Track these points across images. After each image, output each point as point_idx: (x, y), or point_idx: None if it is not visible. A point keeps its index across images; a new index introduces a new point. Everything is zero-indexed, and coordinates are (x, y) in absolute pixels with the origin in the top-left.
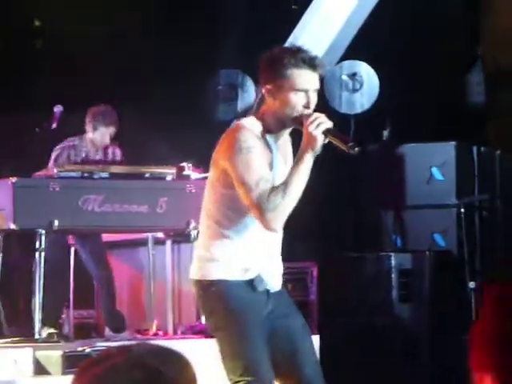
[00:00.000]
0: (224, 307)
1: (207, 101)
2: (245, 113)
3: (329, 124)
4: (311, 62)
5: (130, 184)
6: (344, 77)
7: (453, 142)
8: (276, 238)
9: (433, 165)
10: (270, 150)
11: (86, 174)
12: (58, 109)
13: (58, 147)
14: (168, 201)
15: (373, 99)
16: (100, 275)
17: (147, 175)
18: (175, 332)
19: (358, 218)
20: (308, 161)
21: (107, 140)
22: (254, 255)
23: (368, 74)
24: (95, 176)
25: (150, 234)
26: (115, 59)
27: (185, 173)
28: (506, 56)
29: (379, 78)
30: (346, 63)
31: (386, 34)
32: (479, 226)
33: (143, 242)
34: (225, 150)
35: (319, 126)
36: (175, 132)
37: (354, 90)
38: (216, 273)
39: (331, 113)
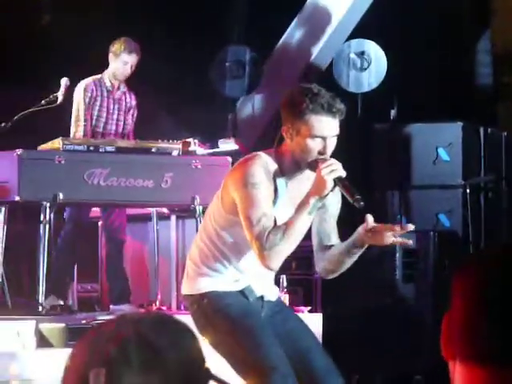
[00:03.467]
0: (222, 315)
1: (214, 77)
2: (251, 90)
3: (342, 172)
4: (330, 109)
5: (135, 158)
6: (352, 55)
7: (460, 123)
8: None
9: (439, 145)
10: (276, 190)
11: (91, 148)
12: (64, 82)
13: (82, 82)
14: (173, 176)
15: (380, 78)
16: (117, 242)
17: (153, 150)
18: (178, 307)
19: (364, 197)
20: (313, 205)
21: (129, 70)
22: (245, 271)
23: (376, 53)
24: (101, 150)
25: (154, 209)
26: (121, 33)
27: (191, 148)
28: None
29: (387, 57)
30: (354, 42)
31: (395, 13)
32: (484, 207)
33: (148, 217)
34: (235, 181)
35: (332, 172)
36: (182, 108)
37: (362, 69)
38: (206, 285)
39: (339, 91)
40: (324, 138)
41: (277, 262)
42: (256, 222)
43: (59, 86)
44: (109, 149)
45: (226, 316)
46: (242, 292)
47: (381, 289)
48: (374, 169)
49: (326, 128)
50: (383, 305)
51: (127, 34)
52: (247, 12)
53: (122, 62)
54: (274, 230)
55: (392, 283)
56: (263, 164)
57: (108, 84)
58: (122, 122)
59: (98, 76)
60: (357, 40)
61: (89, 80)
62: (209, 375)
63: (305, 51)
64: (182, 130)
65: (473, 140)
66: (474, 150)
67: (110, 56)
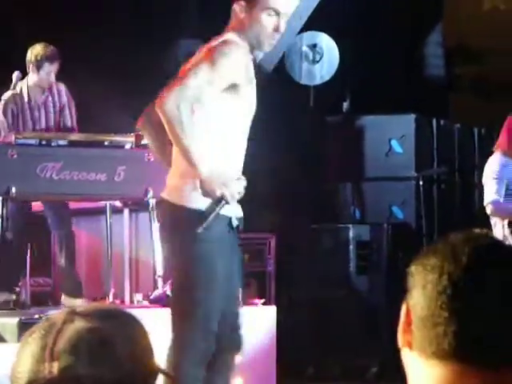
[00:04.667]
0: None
1: (167, 70)
2: None
3: (231, 201)
4: None
5: (88, 152)
6: (304, 48)
7: (412, 115)
8: None
9: (392, 137)
10: None
11: (43, 142)
12: (16, 74)
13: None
14: (126, 169)
15: (333, 71)
16: (62, 234)
17: (106, 143)
18: (132, 301)
19: (317, 189)
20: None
21: (53, 78)
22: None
23: (328, 46)
24: (53, 143)
25: (107, 203)
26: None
27: (144, 141)
28: (468, 30)
29: (339, 49)
30: (307, 34)
31: (346, 5)
32: (437, 199)
33: (101, 211)
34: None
35: (232, 197)
36: (135, 100)
37: (314, 62)
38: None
39: (292, 84)
40: (278, 14)
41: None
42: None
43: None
44: (61, 142)
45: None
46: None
47: (335, 281)
48: (327, 161)
49: (282, 3)
50: (337, 297)
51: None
52: (200, 5)
53: (45, 72)
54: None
55: (346, 275)
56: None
57: (26, 99)
58: (54, 124)
59: (17, 90)
60: (309, 32)
61: (8, 96)
62: (157, 368)
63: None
64: (135, 123)
65: (425, 132)
66: (426, 142)
67: (30, 66)
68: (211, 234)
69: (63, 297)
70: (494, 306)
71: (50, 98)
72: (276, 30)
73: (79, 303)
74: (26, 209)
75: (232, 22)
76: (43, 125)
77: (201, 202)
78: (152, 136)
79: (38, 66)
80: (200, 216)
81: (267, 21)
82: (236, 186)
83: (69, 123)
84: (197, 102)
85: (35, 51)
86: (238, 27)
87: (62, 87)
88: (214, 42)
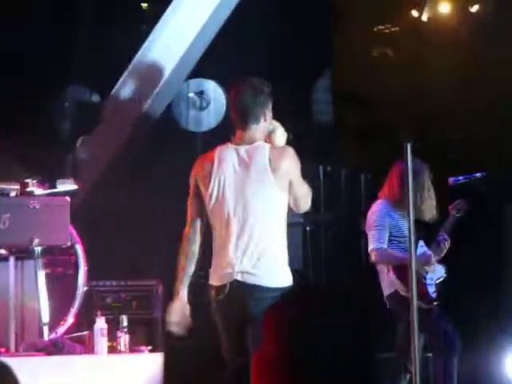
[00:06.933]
0: None
1: (54, 117)
2: (90, 131)
3: None
4: None
5: None
6: (191, 95)
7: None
8: None
9: None
10: None
11: None
12: None
13: None
14: (11, 217)
15: (220, 117)
16: None
17: None
18: (17, 349)
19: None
20: None
21: None
22: None
23: (215, 93)
24: None
25: None
26: None
27: (29, 189)
28: (356, 76)
29: (226, 96)
30: (194, 81)
31: (233, 52)
32: (324, 245)
33: None
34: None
35: None
36: (20, 148)
37: (202, 108)
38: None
39: (179, 131)
40: None
41: None
42: None
43: None
44: None
45: None
46: None
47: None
48: None
49: None
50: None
51: None
52: (89, 52)
53: None
54: None
55: None
56: None
57: None
58: None
59: None
60: (196, 80)
61: None
62: None
63: (137, 101)
64: (20, 170)
65: (313, 177)
66: (314, 188)
67: None
68: None
69: None
70: None
71: None
72: None
73: None
74: None
75: None
76: None
77: None
78: None
79: None
80: None
81: None
82: None
83: None
84: None
85: None
86: None
87: None
88: None
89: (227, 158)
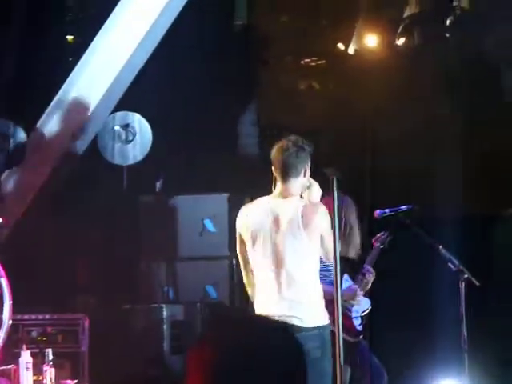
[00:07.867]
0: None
1: None
2: (16, 164)
3: None
4: None
5: None
6: (117, 128)
7: (225, 194)
8: None
9: (205, 216)
10: None
11: None
12: None
13: None
14: None
15: (145, 150)
16: None
17: None
18: None
19: (131, 269)
20: None
21: None
22: None
23: (141, 125)
24: None
25: None
26: None
27: None
28: (281, 109)
29: (152, 129)
30: (119, 114)
31: (159, 85)
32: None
33: None
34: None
35: None
36: None
37: (127, 141)
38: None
39: (104, 164)
40: None
41: None
42: None
43: None
44: None
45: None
46: None
47: (148, 360)
48: (141, 241)
49: None
50: (151, 376)
51: None
52: (13, 85)
53: None
54: None
55: (160, 354)
56: None
57: None
58: None
59: None
60: (121, 112)
61: None
62: None
63: (61, 135)
64: None
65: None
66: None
67: None
68: None
69: None
70: None
71: None
72: None
73: None
74: None
75: None
76: None
77: None
78: None
79: None
80: None
81: None
82: None
83: None
84: None
85: None
86: None
87: None
88: None
89: (266, 210)
